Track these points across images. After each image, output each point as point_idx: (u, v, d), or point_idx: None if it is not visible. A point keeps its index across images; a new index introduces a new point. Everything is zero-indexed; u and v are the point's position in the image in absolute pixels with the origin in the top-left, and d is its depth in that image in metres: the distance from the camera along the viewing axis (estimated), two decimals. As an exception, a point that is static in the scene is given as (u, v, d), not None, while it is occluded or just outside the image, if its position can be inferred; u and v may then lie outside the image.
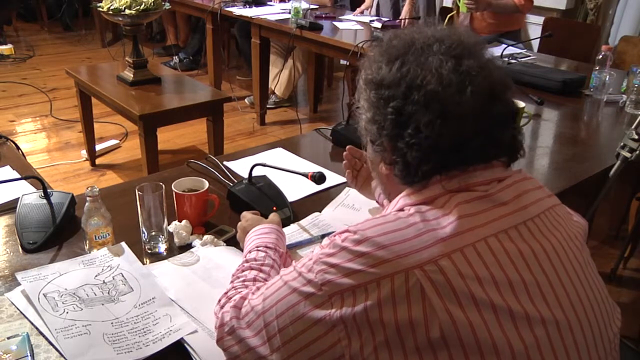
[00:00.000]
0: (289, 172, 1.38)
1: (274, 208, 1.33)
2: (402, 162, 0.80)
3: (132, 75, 2.89)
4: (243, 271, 0.98)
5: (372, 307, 0.71)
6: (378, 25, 3.57)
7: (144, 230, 1.21)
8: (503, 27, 3.41)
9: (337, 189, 1.52)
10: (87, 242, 1.20)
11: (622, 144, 1.71)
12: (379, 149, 0.84)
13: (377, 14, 4.05)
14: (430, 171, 0.78)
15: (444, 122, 0.75)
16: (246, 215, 1.22)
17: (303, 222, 1.35)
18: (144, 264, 1.18)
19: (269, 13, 3.87)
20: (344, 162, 1.37)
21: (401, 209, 0.79)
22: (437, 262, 0.70)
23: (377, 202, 1.33)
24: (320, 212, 1.40)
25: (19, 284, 1.08)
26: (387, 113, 0.79)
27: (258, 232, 1.10)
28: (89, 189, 1.17)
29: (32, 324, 0.99)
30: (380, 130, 0.82)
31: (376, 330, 0.71)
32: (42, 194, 1.32)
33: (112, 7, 2.64)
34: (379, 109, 0.81)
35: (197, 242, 1.24)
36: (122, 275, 1.12)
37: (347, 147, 1.35)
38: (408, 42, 0.81)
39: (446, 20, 3.71)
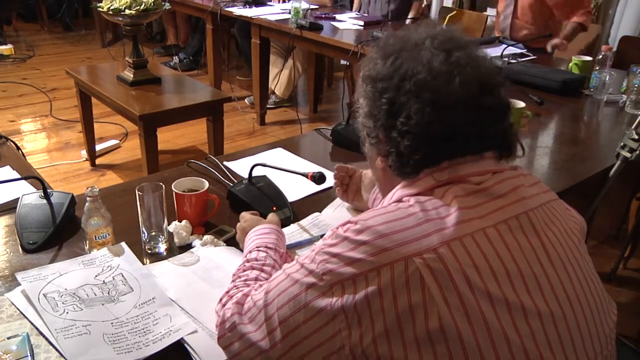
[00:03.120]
0: (289, 172, 1.38)
1: (274, 208, 1.33)
2: (395, 153, 0.82)
3: (132, 75, 2.89)
4: (244, 271, 0.98)
5: (373, 294, 0.71)
6: (360, 23, 3.61)
7: (144, 230, 1.21)
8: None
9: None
10: (87, 242, 1.20)
11: (622, 144, 1.71)
12: (374, 141, 0.87)
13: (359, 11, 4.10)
14: (421, 160, 0.80)
15: (433, 110, 0.78)
16: (245, 215, 1.22)
17: (303, 222, 1.35)
18: (144, 264, 1.17)
19: (269, 13, 3.87)
20: (334, 181, 1.40)
21: (399, 200, 0.81)
22: (437, 251, 0.71)
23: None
24: (320, 212, 1.41)
25: (19, 284, 1.08)
26: (381, 104, 0.83)
27: (258, 232, 1.10)
28: (89, 189, 1.17)
29: (32, 324, 0.99)
30: (375, 122, 0.85)
31: (376, 319, 0.71)
32: (42, 194, 1.32)
33: (112, 7, 2.64)
34: (374, 102, 0.84)
35: (197, 242, 1.24)
36: (122, 276, 1.12)
37: (336, 166, 1.39)
38: (403, 40, 0.85)
39: (446, 20, 3.71)
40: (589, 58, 2.72)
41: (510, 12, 3.31)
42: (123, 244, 1.21)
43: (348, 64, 3.65)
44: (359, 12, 4.21)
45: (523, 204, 0.80)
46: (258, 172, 1.43)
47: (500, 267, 0.73)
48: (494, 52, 2.87)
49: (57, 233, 1.26)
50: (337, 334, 0.74)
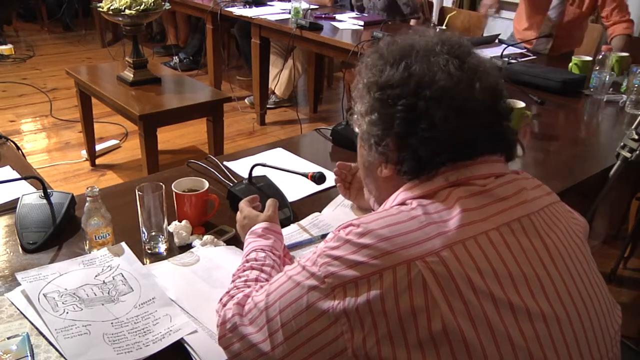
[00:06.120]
0: (289, 172, 1.38)
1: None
2: (412, 158, 0.81)
3: (132, 75, 2.89)
4: (244, 271, 0.98)
5: (375, 298, 0.71)
6: (360, 23, 3.61)
7: (144, 230, 1.21)
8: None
9: (337, 189, 1.51)
10: (87, 242, 1.20)
11: (622, 144, 1.71)
12: (383, 149, 0.85)
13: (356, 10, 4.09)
14: (440, 164, 0.81)
15: (458, 116, 0.78)
16: (244, 209, 1.21)
17: (303, 222, 1.35)
18: (144, 264, 1.18)
19: (269, 13, 3.87)
20: (335, 177, 1.38)
21: (402, 203, 0.81)
22: (439, 254, 0.71)
23: (372, 209, 1.33)
24: (320, 212, 1.41)
25: (19, 284, 1.08)
26: (396, 112, 0.80)
27: (255, 235, 1.10)
28: (89, 189, 1.17)
29: (32, 324, 0.99)
30: (386, 130, 0.83)
31: (379, 322, 0.71)
32: (42, 194, 1.32)
33: (112, 7, 2.64)
34: (385, 109, 0.82)
35: (197, 242, 1.24)
36: (122, 276, 1.12)
37: (337, 163, 1.38)
38: (408, 45, 0.84)
39: (446, 20, 3.71)
40: (589, 58, 2.72)
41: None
42: (123, 244, 1.21)
43: (344, 68, 3.63)
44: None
45: (525, 207, 0.80)
46: (258, 172, 1.43)
47: (503, 270, 0.73)
48: (493, 52, 2.86)
49: (57, 233, 1.26)
50: (340, 336, 0.74)
